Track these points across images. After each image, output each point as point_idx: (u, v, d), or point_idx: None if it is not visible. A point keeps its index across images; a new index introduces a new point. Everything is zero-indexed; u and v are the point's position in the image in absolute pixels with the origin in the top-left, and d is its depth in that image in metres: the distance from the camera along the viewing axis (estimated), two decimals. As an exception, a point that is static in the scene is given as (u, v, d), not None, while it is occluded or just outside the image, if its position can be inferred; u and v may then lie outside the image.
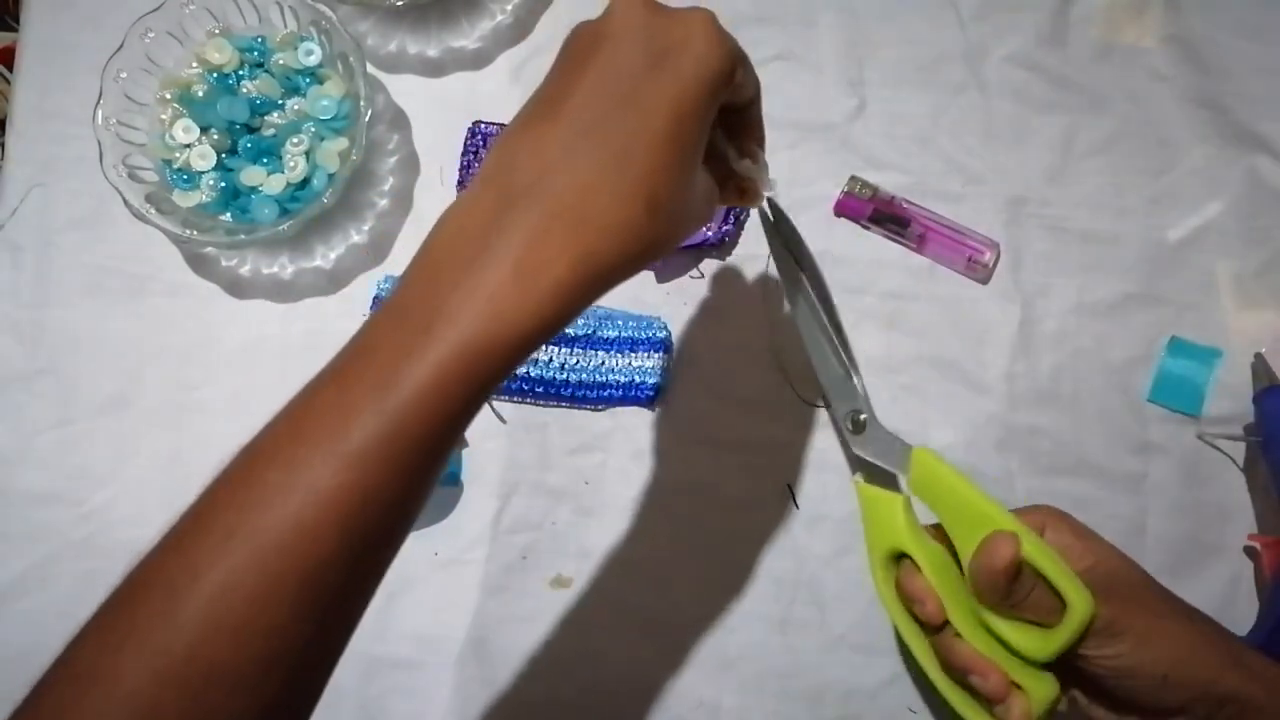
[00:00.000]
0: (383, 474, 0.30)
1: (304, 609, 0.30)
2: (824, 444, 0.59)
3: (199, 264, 0.62)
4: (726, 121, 0.42)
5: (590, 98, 0.35)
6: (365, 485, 0.30)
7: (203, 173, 0.59)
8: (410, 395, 0.30)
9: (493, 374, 0.31)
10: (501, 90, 0.63)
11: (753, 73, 0.41)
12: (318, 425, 0.30)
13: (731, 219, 0.60)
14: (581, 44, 0.36)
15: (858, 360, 0.55)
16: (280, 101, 0.60)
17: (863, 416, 0.54)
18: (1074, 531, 0.47)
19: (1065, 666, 0.45)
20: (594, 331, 0.59)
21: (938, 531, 0.50)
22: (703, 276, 0.61)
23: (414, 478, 0.31)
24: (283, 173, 0.59)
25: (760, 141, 0.45)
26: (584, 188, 0.33)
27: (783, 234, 0.54)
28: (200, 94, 0.60)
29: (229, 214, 0.59)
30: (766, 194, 0.49)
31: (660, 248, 0.36)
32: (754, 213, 0.61)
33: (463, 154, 0.61)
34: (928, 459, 0.50)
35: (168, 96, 0.60)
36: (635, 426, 0.60)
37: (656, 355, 0.59)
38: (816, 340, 0.54)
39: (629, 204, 0.34)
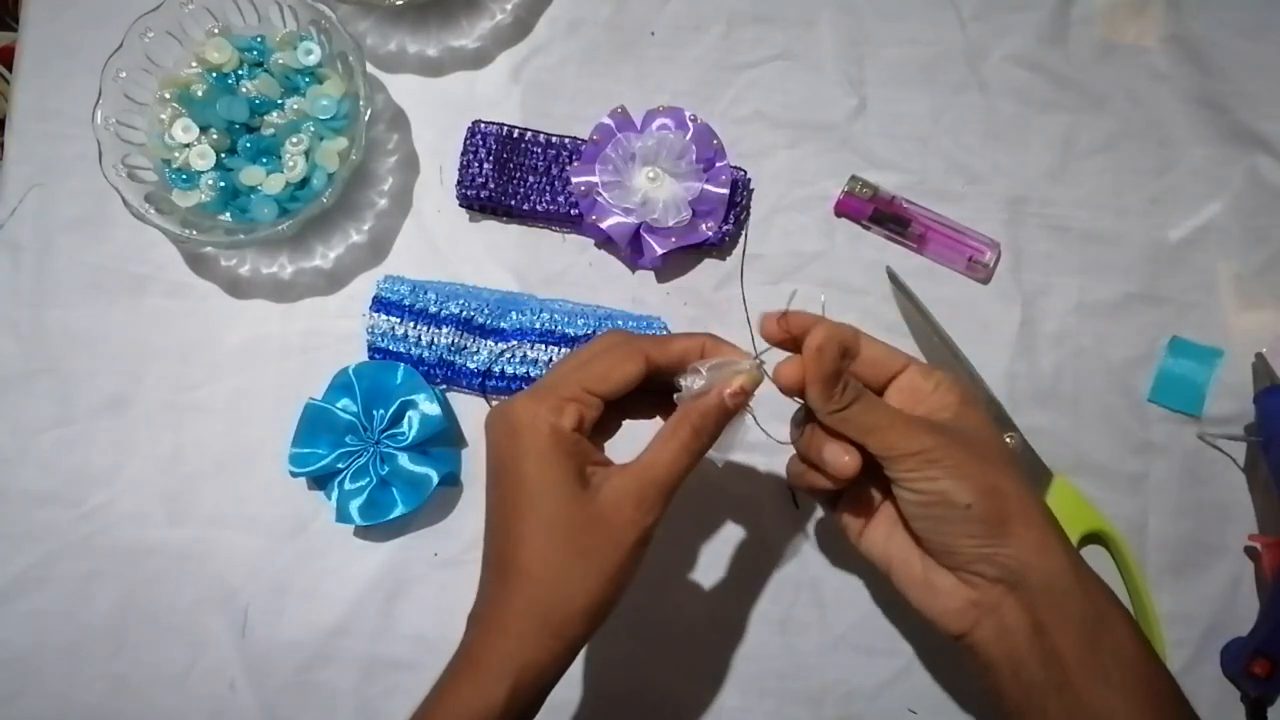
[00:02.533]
0: None
1: None
2: (824, 444, 0.59)
3: (199, 264, 0.62)
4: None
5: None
6: None
7: (202, 172, 0.59)
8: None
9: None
10: (501, 90, 0.63)
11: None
12: None
13: (731, 219, 0.60)
14: None
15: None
16: (280, 101, 0.60)
17: (1013, 440, 0.57)
18: (943, 383, 0.46)
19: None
20: (594, 331, 0.59)
21: None
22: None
23: None
24: (282, 172, 0.59)
25: (687, 358, 0.45)
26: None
27: (909, 297, 0.60)
28: (200, 94, 0.59)
29: (228, 214, 0.59)
30: (753, 367, 0.44)
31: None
32: (753, 215, 0.62)
33: (462, 153, 0.61)
34: (1066, 488, 0.55)
35: (167, 96, 0.59)
36: (634, 427, 0.60)
37: (656, 355, 0.59)
38: (956, 374, 0.57)
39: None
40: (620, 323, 0.59)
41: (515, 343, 0.59)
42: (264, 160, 0.60)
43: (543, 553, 0.42)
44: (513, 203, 0.60)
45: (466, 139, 0.61)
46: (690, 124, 0.58)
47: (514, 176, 0.61)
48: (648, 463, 0.43)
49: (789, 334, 0.43)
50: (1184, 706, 0.43)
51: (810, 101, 0.62)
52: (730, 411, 0.44)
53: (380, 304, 0.59)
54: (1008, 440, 0.57)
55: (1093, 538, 0.57)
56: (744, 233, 0.61)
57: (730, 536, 0.59)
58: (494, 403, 0.60)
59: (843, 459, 0.43)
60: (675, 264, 0.61)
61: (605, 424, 0.46)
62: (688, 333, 0.46)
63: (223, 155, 0.60)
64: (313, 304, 0.62)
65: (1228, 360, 0.59)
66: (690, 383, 0.44)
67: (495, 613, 0.42)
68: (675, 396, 0.44)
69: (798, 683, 0.57)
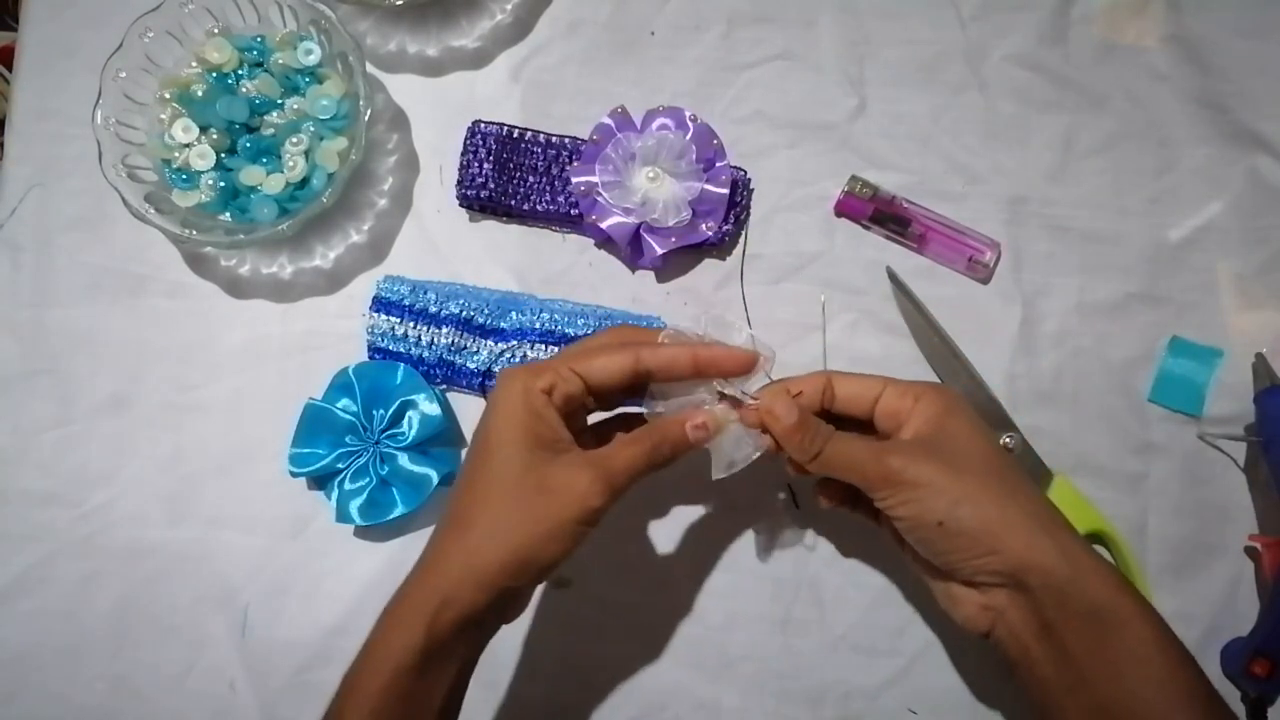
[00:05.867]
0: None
1: None
2: (824, 444, 0.59)
3: (199, 264, 0.62)
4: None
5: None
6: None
7: (202, 172, 0.59)
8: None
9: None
10: (501, 90, 0.63)
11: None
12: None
13: (731, 219, 0.60)
14: None
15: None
16: (280, 101, 0.60)
17: (1012, 440, 0.57)
18: (923, 396, 0.47)
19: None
20: (594, 331, 0.59)
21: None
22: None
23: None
24: (282, 172, 0.59)
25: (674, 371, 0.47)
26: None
27: (909, 297, 0.59)
28: (200, 93, 0.59)
29: (228, 214, 0.59)
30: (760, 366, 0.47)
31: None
32: (753, 215, 0.62)
33: (462, 153, 0.61)
34: (1066, 488, 0.56)
35: (167, 96, 0.59)
36: (634, 426, 0.60)
37: (656, 355, 0.59)
38: (956, 374, 0.58)
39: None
40: (621, 322, 0.59)
41: (515, 343, 0.59)
42: (264, 160, 0.60)
43: (486, 504, 0.44)
44: (513, 203, 0.60)
45: (466, 139, 0.61)
46: (690, 124, 0.58)
47: (514, 176, 0.60)
48: (607, 454, 0.44)
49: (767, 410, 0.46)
50: (1213, 703, 0.41)
51: (810, 101, 0.62)
52: (690, 444, 0.46)
53: (380, 304, 0.59)
54: (1006, 440, 0.57)
55: (1093, 538, 0.57)
56: (744, 233, 0.61)
57: (730, 536, 0.59)
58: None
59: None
60: (675, 264, 0.61)
61: (605, 435, 0.48)
62: (683, 340, 0.47)
63: (223, 155, 0.60)
64: (313, 304, 0.62)
65: (1228, 360, 0.59)
66: (651, 407, 0.47)
67: (433, 555, 0.45)
68: (645, 414, 0.47)
69: (798, 683, 0.57)
